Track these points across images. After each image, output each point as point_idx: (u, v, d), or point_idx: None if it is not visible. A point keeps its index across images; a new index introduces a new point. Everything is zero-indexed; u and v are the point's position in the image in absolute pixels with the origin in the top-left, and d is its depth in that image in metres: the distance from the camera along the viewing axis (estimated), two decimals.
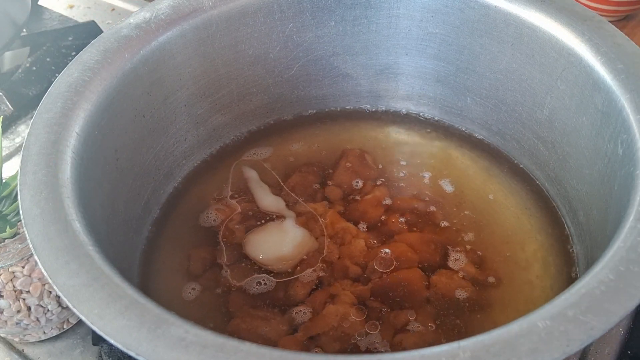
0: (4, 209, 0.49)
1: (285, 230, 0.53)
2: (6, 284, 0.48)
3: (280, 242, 0.52)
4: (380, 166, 0.60)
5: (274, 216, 0.55)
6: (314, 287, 0.50)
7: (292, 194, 0.57)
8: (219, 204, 0.56)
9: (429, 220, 0.54)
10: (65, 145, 0.41)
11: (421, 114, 0.64)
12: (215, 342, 0.31)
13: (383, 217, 0.55)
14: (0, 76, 0.76)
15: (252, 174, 0.59)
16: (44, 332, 0.53)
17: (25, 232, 0.36)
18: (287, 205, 0.56)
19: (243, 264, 0.52)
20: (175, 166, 0.58)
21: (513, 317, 0.32)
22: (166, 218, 0.56)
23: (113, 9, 0.92)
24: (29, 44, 0.80)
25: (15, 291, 0.49)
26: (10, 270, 0.48)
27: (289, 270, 0.51)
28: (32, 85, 0.75)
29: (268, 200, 0.56)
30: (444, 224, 0.54)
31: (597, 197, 0.47)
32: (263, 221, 0.55)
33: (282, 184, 0.58)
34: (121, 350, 0.31)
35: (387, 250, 0.51)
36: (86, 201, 0.40)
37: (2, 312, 0.49)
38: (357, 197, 0.56)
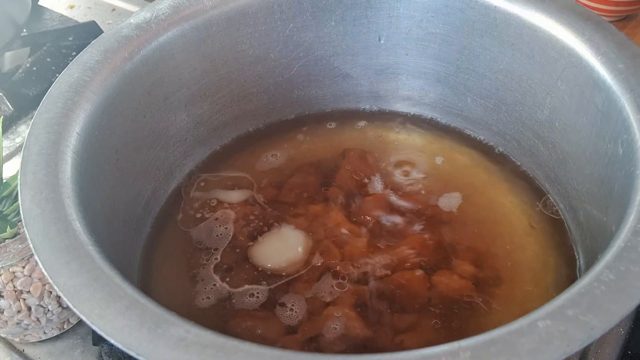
0: (4, 209, 0.49)
1: (285, 235, 0.53)
2: (7, 284, 0.48)
3: (282, 248, 0.52)
4: (380, 166, 0.60)
5: (276, 223, 0.55)
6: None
7: (292, 196, 0.57)
8: (219, 205, 0.56)
9: (429, 221, 0.54)
10: (66, 145, 0.41)
11: (421, 113, 0.64)
12: (216, 342, 0.31)
13: (384, 218, 0.55)
14: (0, 76, 0.76)
15: (197, 194, 0.58)
16: (45, 332, 0.53)
17: (26, 232, 0.37)
18: (289, 206, 0.56)
19: (244, 266, 0.52)
20: (175, 166, 0.58)
21: (513, 317, 0.32)
22: (166, 218, 0.56)
23: (113, 9, 0.92)
24: (29, 44, 0.80)
25: (15, 291, 0.49)
26: (10, 270, 0.48)
27: (296, 273, 0.51)
28: (32, 86, 0.75)
29: (233, 196, 0.57)
30: (445, 224, 0.54)
31: (597, 197, 0.47)
32: (262, 223, 0.55)
33: (268, 188, 0.58)
34: (121, 350, 0.31)
35: (388, 250, 0.52)
36: (86, 201, 0.40)
37: (2, 313, 0.49)
38: (358, 198, 0.56)
